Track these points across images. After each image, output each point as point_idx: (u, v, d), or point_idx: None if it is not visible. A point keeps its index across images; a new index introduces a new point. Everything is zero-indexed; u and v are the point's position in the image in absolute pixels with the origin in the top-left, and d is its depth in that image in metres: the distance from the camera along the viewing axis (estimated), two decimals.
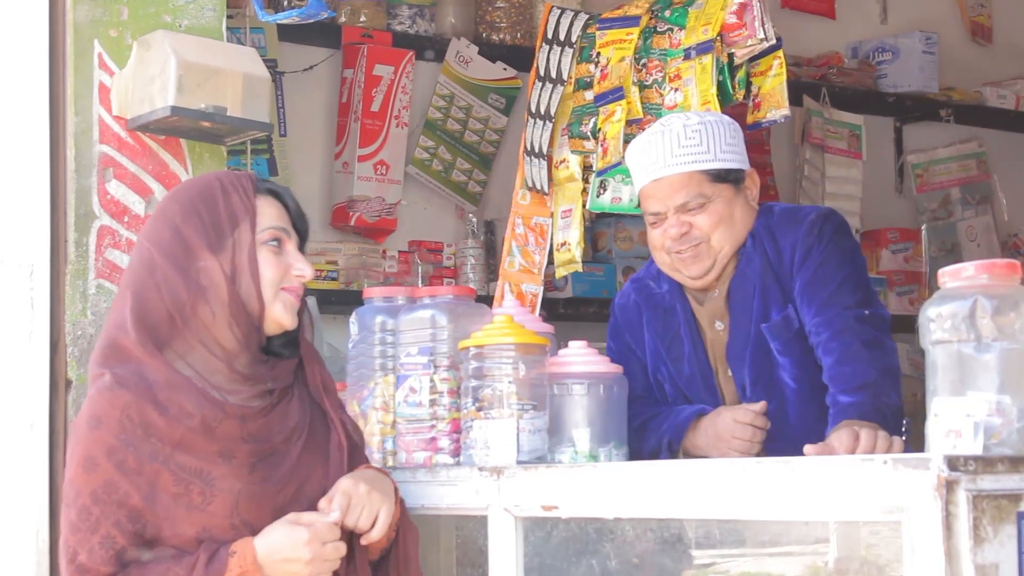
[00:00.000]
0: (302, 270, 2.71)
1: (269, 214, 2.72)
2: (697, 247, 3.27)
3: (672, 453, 3.31)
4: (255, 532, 2.58)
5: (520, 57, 5.42)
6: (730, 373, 3.35)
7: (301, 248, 2.78)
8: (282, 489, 2.64)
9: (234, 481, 2.59)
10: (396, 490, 2.75)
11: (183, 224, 2.65)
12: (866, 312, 3.15)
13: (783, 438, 3.20)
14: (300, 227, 2.79)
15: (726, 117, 3.45)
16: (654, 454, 3.30)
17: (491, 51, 5.64)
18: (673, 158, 3.25)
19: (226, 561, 2.53)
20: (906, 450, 2.75)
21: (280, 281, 2.69)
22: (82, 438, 2.59)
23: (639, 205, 3.42)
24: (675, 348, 3.41)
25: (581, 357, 3.04)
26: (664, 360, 3.43)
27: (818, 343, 3.17)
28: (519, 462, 2.81)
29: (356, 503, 2.63)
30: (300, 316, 2.77)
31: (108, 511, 2.53)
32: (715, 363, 3.39)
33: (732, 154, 3.29)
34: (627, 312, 3.52)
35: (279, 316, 2.69)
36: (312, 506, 2.65)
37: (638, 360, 3.45)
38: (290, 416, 2.72)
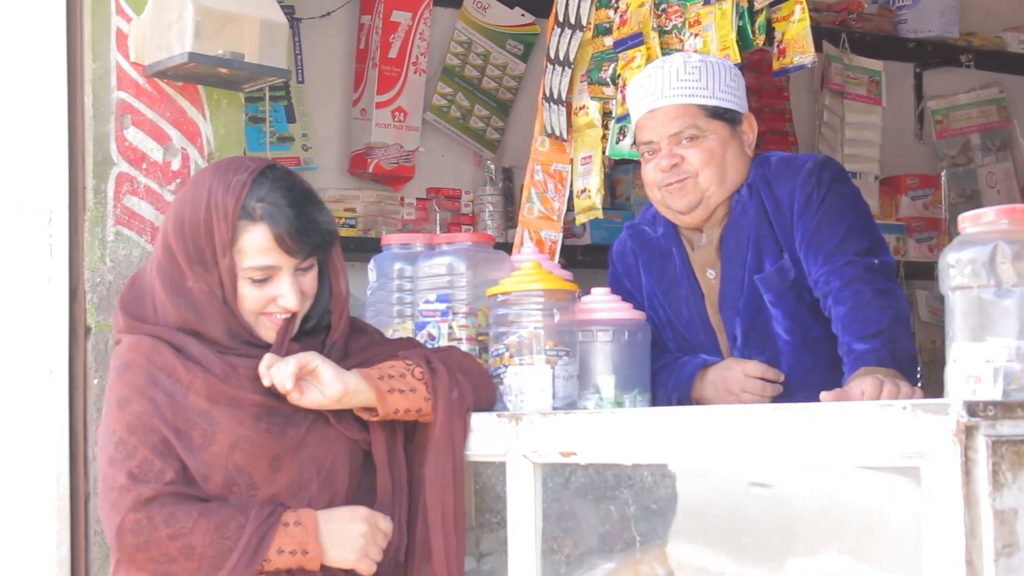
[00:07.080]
0: (286, 303, 2.65)
1: (255, 248, 2.62)
2: (684, 180, 3.25)
3: None
4: (248, 478, 2.62)
5: (538, 3, 5.40)
6: (723, 323, 3.34)
7: (322, 251, 2.71)
8: (292, 446, 2.66)
9: (236, 425, 2.63)
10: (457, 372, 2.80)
11: (175, 241, 2.66)
12: (875, 261, 3.13)
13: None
14: (308, 243, 2.65)
15: (729, 62, 3.45)
16: None
17: None
18: (671, 89, 3.25)
19: (289, 528, 2.59)
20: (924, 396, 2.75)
21: (262, 309, 2.67)
22: (113, 385, 2.67)
23: (635, 140, 3.41)
24: (672, 291, 3.40)
25: (605, 304, 3.04)
26: (662, 303, 3.42)
27: (827, 292, 3.13)
28: (554, 408, 2.82)
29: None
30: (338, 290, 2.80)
31: (145, 438, 2.59)
32: (709, 310, 3.38)
33: (730, 95, 3.28)
34: (624, 258, 3.52)
35: (263, 336, 2.70)
36: (322, 470, 2.70)
37: (639, 306, 3.44)
38: None
